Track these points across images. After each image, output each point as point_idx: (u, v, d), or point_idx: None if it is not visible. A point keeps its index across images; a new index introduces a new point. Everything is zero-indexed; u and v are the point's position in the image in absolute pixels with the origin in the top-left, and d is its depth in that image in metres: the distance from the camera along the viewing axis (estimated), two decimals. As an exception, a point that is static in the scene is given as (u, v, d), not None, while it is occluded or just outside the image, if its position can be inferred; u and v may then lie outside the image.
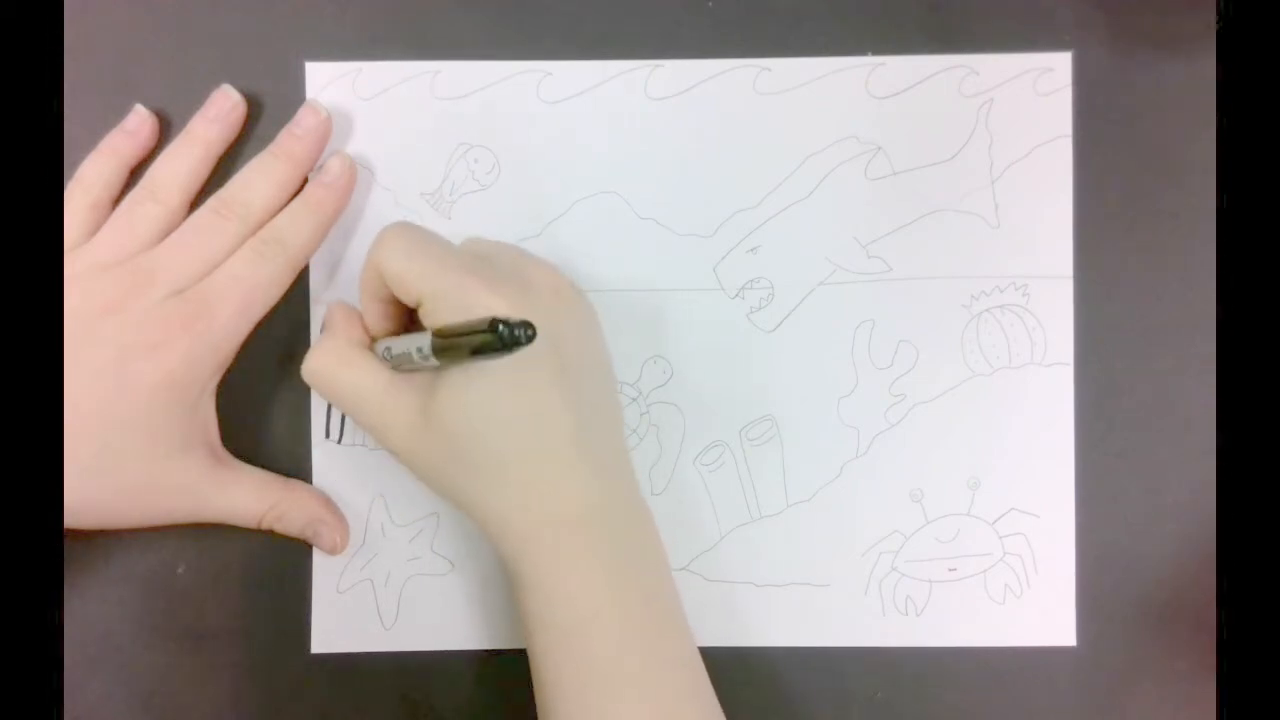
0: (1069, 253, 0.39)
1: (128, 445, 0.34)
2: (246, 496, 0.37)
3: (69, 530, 0.33)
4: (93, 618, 0.38)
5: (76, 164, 0.38)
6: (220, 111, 0.38)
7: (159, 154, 0.37)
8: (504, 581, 0.39)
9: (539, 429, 0.32)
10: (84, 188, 0.37)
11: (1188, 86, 0.39)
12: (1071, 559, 0.39)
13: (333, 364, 0.35)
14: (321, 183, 0.37)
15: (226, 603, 0.39)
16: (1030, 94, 0.39)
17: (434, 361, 0.32)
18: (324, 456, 0.39)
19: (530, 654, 0.33)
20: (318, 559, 0.39)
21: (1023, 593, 0.39)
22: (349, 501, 0.39)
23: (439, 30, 0.39)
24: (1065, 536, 0.39)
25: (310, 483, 0.39)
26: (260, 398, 0.39)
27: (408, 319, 0.36)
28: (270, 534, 0.38)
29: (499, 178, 0.39)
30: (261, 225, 0.36)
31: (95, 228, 0.36)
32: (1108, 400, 0.39)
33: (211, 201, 0.36)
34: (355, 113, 0.39)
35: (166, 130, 0.39)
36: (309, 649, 0.39)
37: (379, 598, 0.39)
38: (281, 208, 0.37)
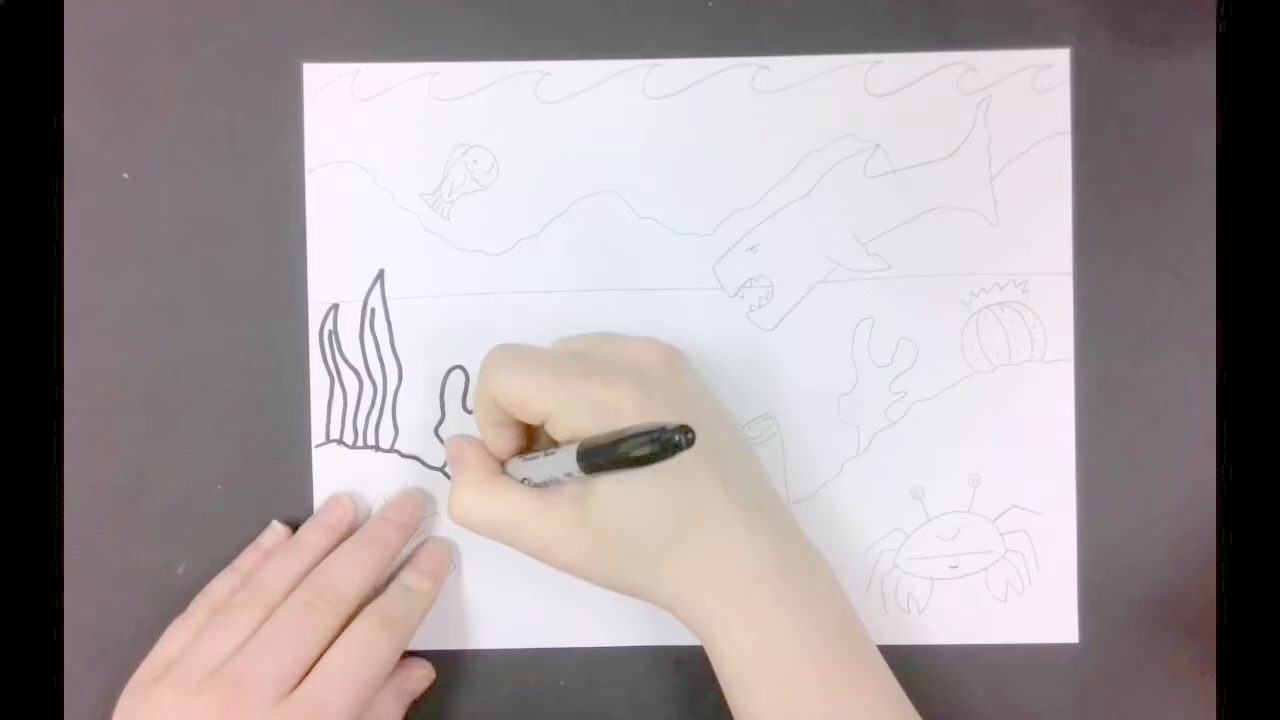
0: (1068, 249, 0.39)
1: None
2: None
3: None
4: (93, 618, 0.38)
5: (76, 163, 0.38)
6: (333, 519, 0.38)
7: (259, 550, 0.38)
8: (504, 581, 0.39)
9: (699, 503, 0.32)
10: (209, 604, 0.36)
11: (1187, 83, 0.39)
12: (1073, 556, 0.39)
13: (480, 501, 0.34)
14: (422, 570, 0.37)
15: (227, 603, 0.39)
16: (1029, 91, 0.39)
17: (582, 475, 0.31)
18: (324, 456, 0.39)
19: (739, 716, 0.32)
20: (318, 559, 0.39)
21: (1024, 590, 0.39)
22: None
23: (437, 31, 0.39)
24: (1067, 533, 0.39)
25: (310, 483, 0.39)
26: (261, 398, 0.39)
27: (526, 432, 0.36)
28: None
29: (498, 178, 0.39)
30: (351, 612, 0.35)
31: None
32: (1108, 396, 0.39)
33: (304, 593, 0.35)
34: (354, 114, 0.39)
35: (164, 102, 0.39)
36: (310, 649, 0.39)
37: (380, 598, 0.39)
38: (370, 594, 0.36)
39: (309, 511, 0.39)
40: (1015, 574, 0.39)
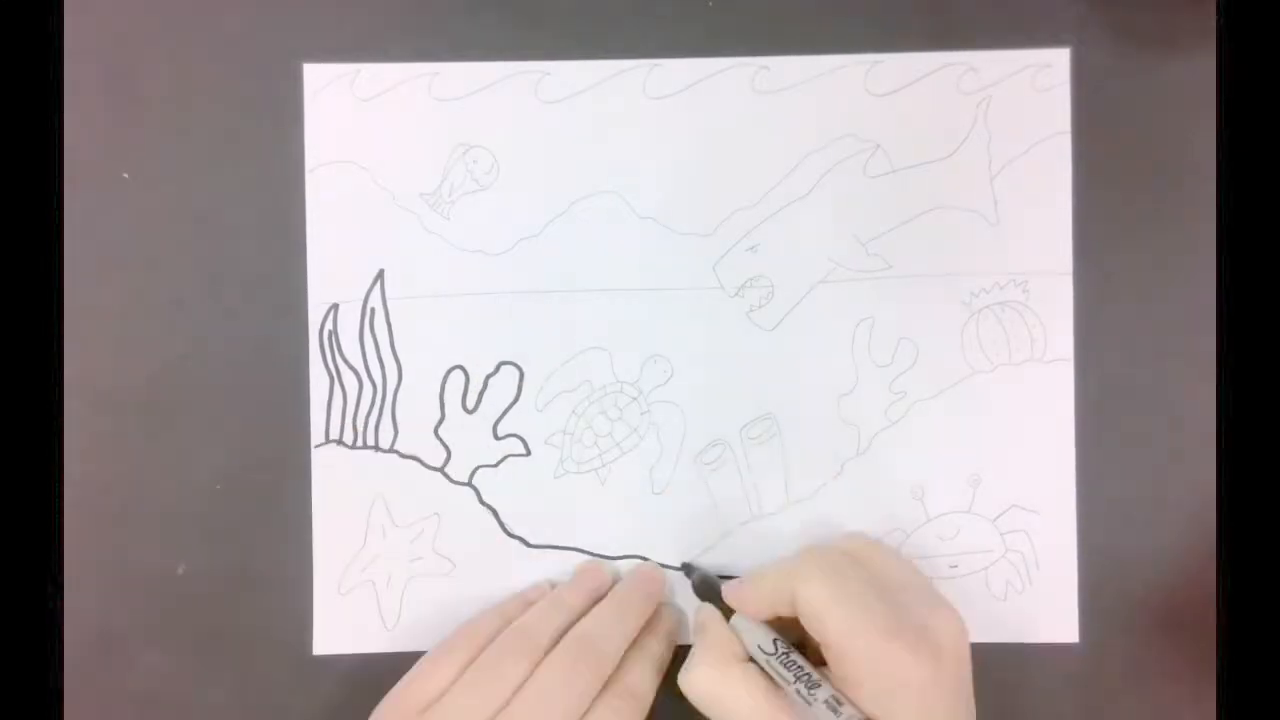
0: (1068, 249, 0.39)
1: None
2: None
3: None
4: (93, 618, 0.38)
5: (76, 163, 0.38)
6: (593, 585, 0.38)
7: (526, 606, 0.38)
8: (505, 580, 0.39)
9: None
10: (470, 642, 0.36)
11: (1187, 82, 0.39)
12: (1073, 555, 0.39)
13: (717, 680, 0.34)
14: (660, 637, 0.37)
15: (227, 603, 0.39)
16: (1029, 90, 0.39)
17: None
18: (324, 456, 0.39)
19: None
20: (318, 559, 0.39)
21: (1025, 589, 0.39)
22: (349, 502, 0.39)
23: (437, 31, 0.39)
24: (1067, 533, 0.39)
25: (310, 482, 0.39)
26: (261, 398, 0.39)
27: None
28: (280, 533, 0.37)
29: (498, 178, 0.39)
30: (610, 675, 0.35)
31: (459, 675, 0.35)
32: (1108, 396, 0.39)
33: (570, 652, 0.35)
34: (354, 114, 0.39)
35: (164, 103, 0.39)
36: (310, 650, 0.39)
37: (380, 599, 0.39)
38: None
39: (309, 512, 0.39)
40: (1015, 574, 0.39)
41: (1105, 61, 0.39)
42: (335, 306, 0.39)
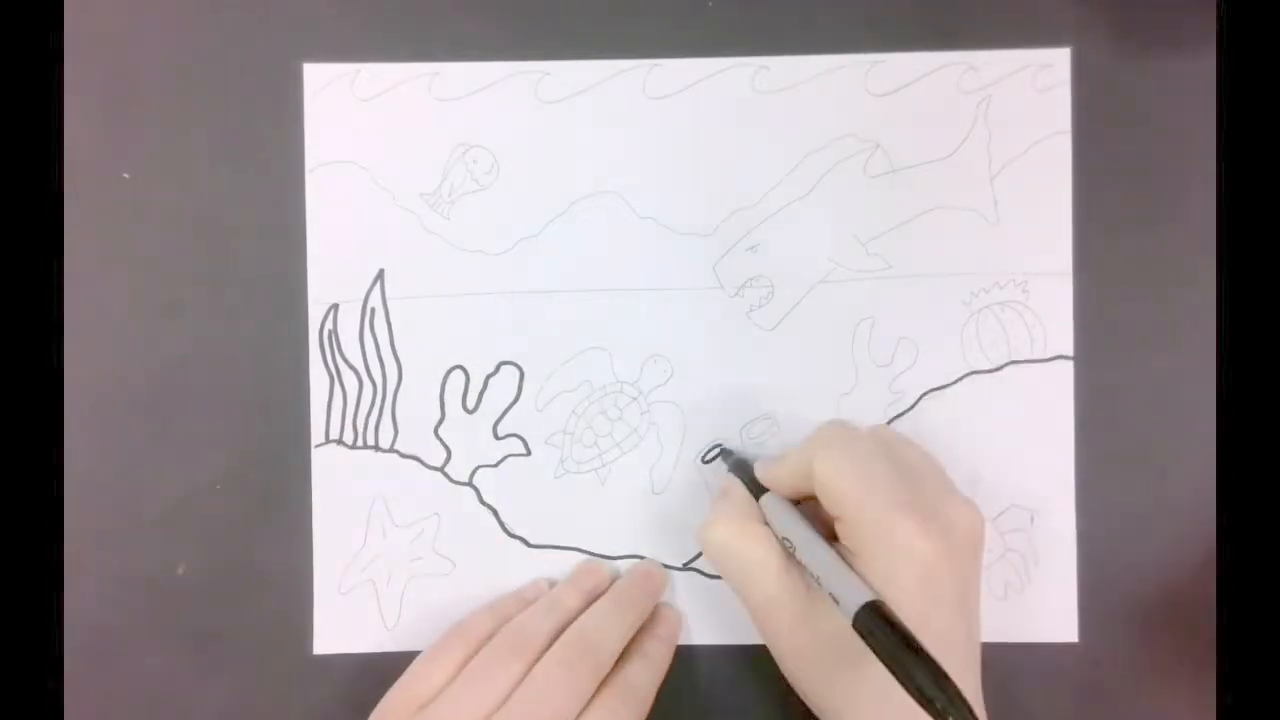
0: (1068, 249, 0.39)
1: None
2: None
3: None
4: (93, 618, 0.38)
5: (76, 163, 0.38)
6: (590, 585, 0.38)
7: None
8: (505, 580, 0.39)
9: (942, 659, 0.31)
10: (465, 641, 0.36)
11: (1188, 82, 0.39)
12: (1073, 555, 0.39)
13: (735, 535, 0.34)
14: (659, 636, 0.37)
15: (227, 603, 0.39)
16: (1029, 90, 0.39)
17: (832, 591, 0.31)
18: (324, 456, 0.39)
19: None
20: (319, 559, 0.39)
21: (1024, 589, 0.39)
22: (349, 502, 0.39)
23: (437, 31, 0.39)
24: (1066, 533, 0.39)
25: (310, 482, 0.39)
26: (261, 398, 0.39)
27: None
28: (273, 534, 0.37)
29: (498, 178, 0.39)
30: (606, 674, 0.35)
31: (455, 674, 0.35)
32: (1108, 396, 0.39)
33: (566, 651, 0.34)
34: (354, 114, 0.39)
35: (164, 102, 0.39)
36: (311, 650, 0.39)
37: (381, 598, 0.39)
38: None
39: (309, 512, 0.39)
40: (1015, 573, 0.39)
41: (1105, 61, 0.39)
42: (335, 306, 0.39)
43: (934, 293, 0.39)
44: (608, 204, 0.39)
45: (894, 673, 0.27)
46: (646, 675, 0.36)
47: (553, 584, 0.39)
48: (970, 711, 0.26)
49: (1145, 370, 0.39)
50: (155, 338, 0.39)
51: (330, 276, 0.39)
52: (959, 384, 0.39)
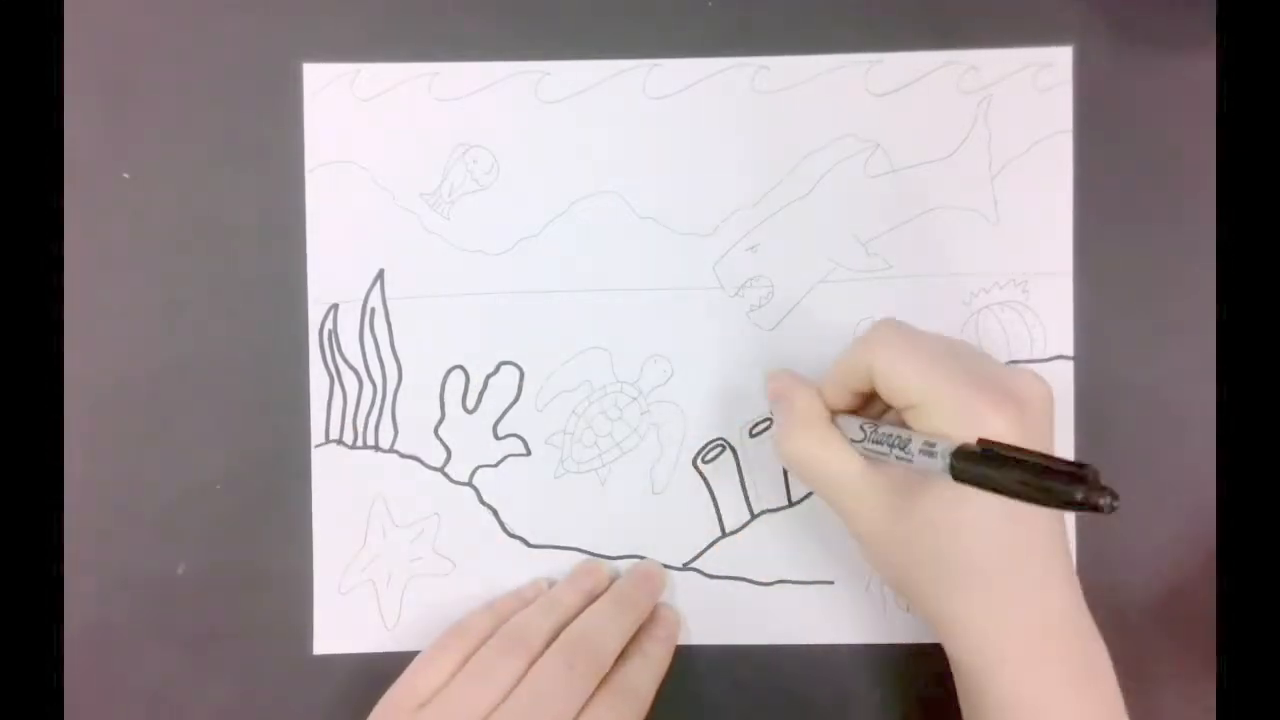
0: (1069, 249, 0.39)
1: None
2: None
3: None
4: (92, 618, 0.38)
5: (76, 163, 0.38)
6: (589, 585, 0.38)
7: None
8: (505, 580, 0.39)
9: (1029, 547, 0.31)
10: (465, 640, 0.36)
11: (1188, 82, 0.39)
12: (1073, 556, 0.39)
13: (814, 448, 0.33)
14: (658, 637, 0.37)
15: (227, 603, 0.39)
16: (1030, 90, 0.39)
17: (932, 468, 0.30)
18: (324, 456, 0.39)
19: None
20: (319, 559, 0.39)
21: (1024, 590, 0.39)
22: (349, 502, 0.39)
23: (437, 31, 0.39)
24: (1067, 533, 0.39)
25: (310, 482, 0.39)
26: (261, 398, 0.39)
27: (863, 402, 0.35)
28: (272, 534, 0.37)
29: (498, 178, 0.39)
30: (605, 674, 0.35)
31: (455, 672, 0.35)
32: (1108, 397, 0.39)
33: (565, 652, 0.34)
34: (354, 114, 0.39)
35: (164, 102, 0.39)
36: (311, 650, 0.39)
37: (381, 598, 0.39)
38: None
39: (309, 512, 0.39)
40: (1015, 574, 0.39)
41: (1106, 61, 0.39)
42: (335, 306, 0.39)
43: (934, 293, 0.39)
44: (608, 204, 0.39)
45: (1016, 491, 0.26)
46: (645, 675, 0.36)
47: (552, 584, 0.39)
48: (1109, 488, 0.26)
49: (1145, 370, 0.39)
50: (155, 338, 0.39)
51: (330, 276, 0.39)
52: (959, 384, 0.39)
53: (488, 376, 0.39)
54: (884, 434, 0.32)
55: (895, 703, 0.39)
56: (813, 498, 0.39)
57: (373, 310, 0.39)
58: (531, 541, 0.39)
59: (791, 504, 0.39)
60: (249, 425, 0.39)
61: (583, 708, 0.33)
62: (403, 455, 0.39)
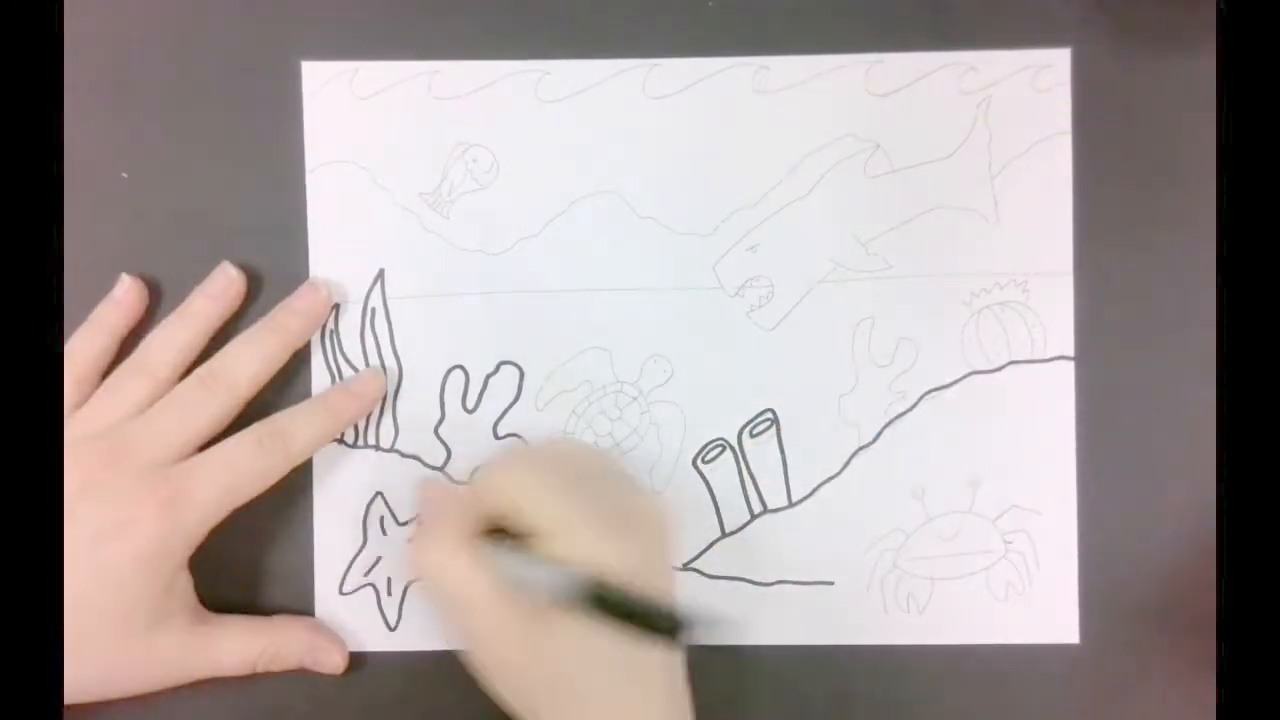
0: (1069, 249, 0.39)
1: (101, 627, 0.33)
2: (233, 649, 0.36)
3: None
4: (93, 618, 0.38)
5: (76, 163, 0.38)
6: (219, 289, 0.37)
7: (153, 325, 0.37)
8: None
9: (646, 677, 0.32)
10: (71, 361, 0.36)
11: (1188, 82, 0.39)
12: (1074, 556, 0.39)
13: (446, 559, 0.32)
14: (347, 390, 0.37)
15: (228, 603, 0.39)
16: (1029, 90, 0.39)
17: (552, 594, 0.30)
18: (324, 456, 0.39)
19: None
20: (320, 560, 0.39)
21: (1025, 590, 0.39)
22: (350, 501, 0.39)
23: (437, 30, 0.39)
24: (1067, 533, 0.39)
25: (310, 481, 0.39)
26: (261, 399, 0.39)
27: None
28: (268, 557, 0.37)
29: (497, 177, 0.39)
30: (247, 399, 0.36)
31: (82, 401, 0.36)
32: (1109, 396, 0.39)
33: (199, 372, 0.36)
34: (352, 112, 0.39)
35: (164, 102, 0.39)
36: (310, 649, 0.39)
37: (382, 599, 0.39)
38: (267, 381, 0.36)
39: (309, 512, 0.39)
40: (1016, 574, 0.39)
41: (1105, 61, 0.39)
42: (335, 306, 0.39)
43: (934, 293, 0.39)
44: (608, 204, 0.39)
45: (627, 625, 0.29)
46: (307, 429, 0.36)
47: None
48: (685, 618, 0.28)
49: (1145, 370, 0.39)
50: (155, 337, 0.39)
51: (330, 276, 0.39)
52: (959, 384, 0.39)
53: (488, 376, 0.39)
54: (515, 559, 0.32)
55: (895, 705, 0.39)
56: (813, 498, 0.39)
57: (373, 310, 0.39)
58: (531, 541, 0.39)
59: (792, 504, 0.39)
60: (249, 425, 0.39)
61: (230, 441, 0.34)
62: (403, 455, 0.39)
